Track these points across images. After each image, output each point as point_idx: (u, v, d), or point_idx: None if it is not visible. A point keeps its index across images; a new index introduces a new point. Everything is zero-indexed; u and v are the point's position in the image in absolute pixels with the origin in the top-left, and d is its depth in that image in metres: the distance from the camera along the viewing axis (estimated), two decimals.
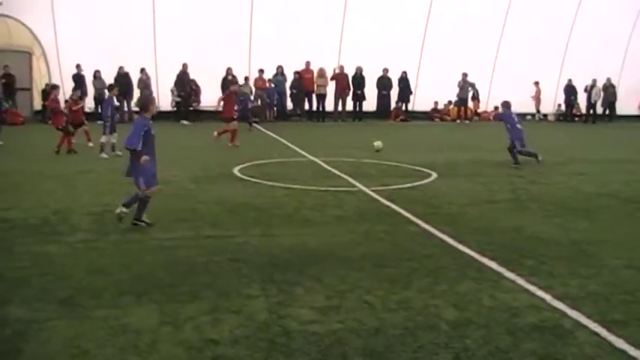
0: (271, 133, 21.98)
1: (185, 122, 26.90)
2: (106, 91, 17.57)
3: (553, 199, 10.86)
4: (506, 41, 29.93)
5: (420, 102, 30.46)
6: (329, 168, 13.86)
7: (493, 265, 6.85)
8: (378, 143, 16.73)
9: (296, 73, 28.29)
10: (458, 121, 29.29)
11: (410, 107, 30.42)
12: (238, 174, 12.97)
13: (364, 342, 4.89)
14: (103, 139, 15.64)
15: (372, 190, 11.10)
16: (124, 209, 8.34)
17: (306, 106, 29.25)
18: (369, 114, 29.19)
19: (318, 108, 28.67)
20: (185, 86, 27.39)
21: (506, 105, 15.28)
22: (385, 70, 29.04)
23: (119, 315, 5.43)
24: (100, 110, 25.96)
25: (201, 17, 26.64)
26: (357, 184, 11.78)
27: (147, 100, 9.33)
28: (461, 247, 7.57)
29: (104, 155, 15.32)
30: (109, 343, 4.88)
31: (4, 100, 23.72)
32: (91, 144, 16.66)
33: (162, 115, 26.41)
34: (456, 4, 28.71)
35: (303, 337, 4.96)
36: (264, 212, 9.50)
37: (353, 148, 17.38)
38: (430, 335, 5.00)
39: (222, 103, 19.28)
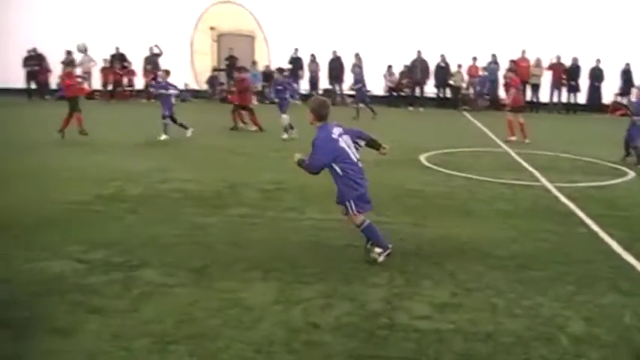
0: (476, 122, 21.40)
1: (411, 108, 26.91)
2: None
3: None
4: None
5: None
6: (520, 160, 13.19)
7: None
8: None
9: (511, 61, 27.17)
10: None
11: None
12: (423, 160, 12.77)
13: (467, 346, 4.57)
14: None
15: (555, 187, 10.36)
16: (376, 250, 6.47)
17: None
18: (581, 106, 27.36)
19: (532, 98, 27.37)
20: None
21: None
22: (598, 61, 26.97)
23: (239, 289, 5.57)
24: (315, 92, 27.05)
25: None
26: (542, 179, 11.07)
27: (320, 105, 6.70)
28: (626, 255, 6.81)
29: (285, 136, 15.76)
30: (217, 314, 5.02)
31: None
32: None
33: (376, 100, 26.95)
34: None
35: (405, 333, 4.75)
36: (429, 201, 9.26)
37: (555, 142, 16.37)
38: (543, 349, 4.55)
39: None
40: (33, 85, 28.72)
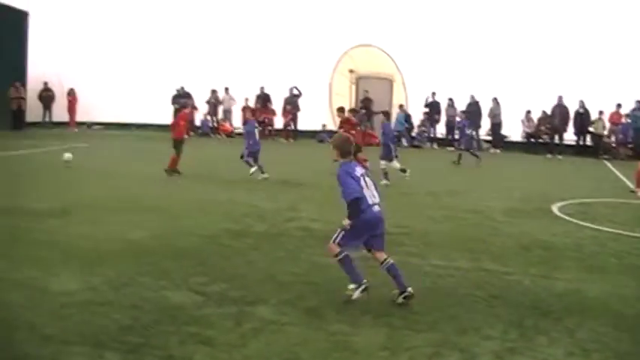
0: (616, 171, 20.42)
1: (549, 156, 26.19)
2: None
3: None
4: None
5: None
6: None
7: None
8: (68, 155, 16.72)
9: None
10: None
11: None
12: (556, 210, 12.30)
13: None
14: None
15: None
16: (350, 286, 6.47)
17: None
18: None
19: None
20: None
21: None
22: None
23: (348, 332, 5.56)
24: (451, 136, 26.87)
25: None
26: None
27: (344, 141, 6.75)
28: None
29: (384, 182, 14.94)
30: (322, 356, 5.04)
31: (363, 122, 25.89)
32: None
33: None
34: None
35: None
36: (556, 252, 8.89)
37: None
38: None
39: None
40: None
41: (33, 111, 32.01)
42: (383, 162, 15.30)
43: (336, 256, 6.41)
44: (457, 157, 20.70)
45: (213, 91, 30.47)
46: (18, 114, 30.56)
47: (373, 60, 28.99)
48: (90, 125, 32.72)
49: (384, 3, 27.12)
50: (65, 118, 32.67)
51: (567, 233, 10.25)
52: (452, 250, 8.62)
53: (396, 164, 15.55)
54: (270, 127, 29.99)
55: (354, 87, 29.64)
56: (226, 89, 30.35)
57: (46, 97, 32.54)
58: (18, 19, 31.01)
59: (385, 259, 6.49)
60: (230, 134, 29.91)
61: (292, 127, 29.36)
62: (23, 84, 31.03)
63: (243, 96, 29.50)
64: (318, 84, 29.04)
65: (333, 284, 6.85)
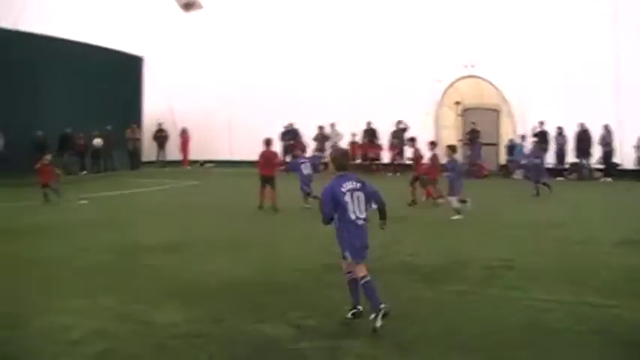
0: None
1: None
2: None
3: None
4: None
5: None
6: None
7: None
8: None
9: None
10: None
11: None
12: None
13: None
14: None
15: None
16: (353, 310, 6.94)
17: None
18: None
19: None
20: None
21: None
22: None
23: None
24: (561, 165, 26.11)
25: None
26: None
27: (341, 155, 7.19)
28: None
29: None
30: None
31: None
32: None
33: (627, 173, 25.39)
34: None
35: None
36: None
37: None
38: None
39: None
40: (288, 158, 30.83)
41: (148, 150, 33.63)
42: (453, 199, 14.86)
43: (362, 278, 6.71)
44: (535, 190, 19.66)
45: (320, 127, 30.93)
46: (134, 154, 32.12)
47: (479, 91, 28.68)
48: (202, 163, 33.92)
49: (489, 33, 26.80)
50: (178, 156, 34.02)
51: None
52: (554, 283, 8.39)
53: (454, 201, 14.85)
54: (377, 162, 30.10)
55: (460, 119, 29.37)
56: (332, 125, 30.74)
57: (160, 137, 34.12)
58: (134, 64, 32.78)
59: (364, 275, 6.73)
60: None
61: (399, 161, 29.32)
62: (139, 125, 32.66)
63: (349, 131, 29.86)
64: (424, 117, 28.95)
65: (428, 319, 6.87)
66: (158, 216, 15.58)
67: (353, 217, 6.69)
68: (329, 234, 12.02)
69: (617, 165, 26.27)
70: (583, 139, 26.23)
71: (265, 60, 31.40)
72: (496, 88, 27.93)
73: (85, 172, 29.10)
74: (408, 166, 28.19)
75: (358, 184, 6.80)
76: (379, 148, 30.08)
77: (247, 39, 31.42)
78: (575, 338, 6.27)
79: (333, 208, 6.67)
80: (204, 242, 11.63)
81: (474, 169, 26.91)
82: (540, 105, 26.61)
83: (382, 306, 6.45)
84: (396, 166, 29.16)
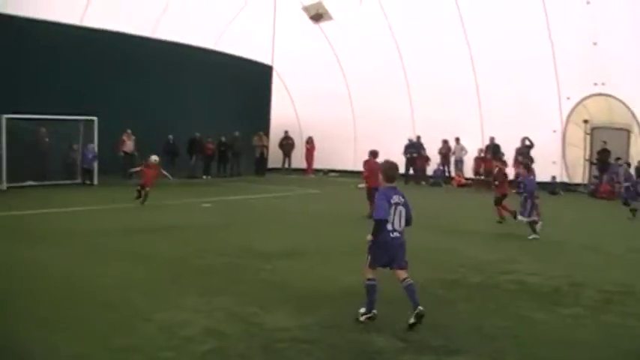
0: None
1: None
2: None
3: None
4: None
5: None
6: None
7: None
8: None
9: None
10: None
11: None
12: None
13: None
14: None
15: None
16: (361, 310, 7.31)
17: None
18: None
19: None
20: None
21: None
22: None
23: None
24: None
25: None
26: None
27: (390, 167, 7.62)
28: None
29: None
30: None
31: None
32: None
33: None
34: None
35: None
36: None
37: None
38: None
39: None
40: (410, 171, 30.88)
41: (274, 157, 34.51)
42: (522, 218, 14.53)
43: (368, 280, 7.19)
44: (631, 214, 18.75)
45: (445, 142, 30.75)
46: (260, 161, 33.05)
47: (609, 110, 27.64)
48: (326, 172, 34.45)
49: (620, 50, 25.78)
50: (303, 164, 34.71)
51: None
52: None
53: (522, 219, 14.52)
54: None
55: (588, 137, 28.38)
56: (457, 139, 30.50)
57: (287, 145, 34.99)
58: (264, 73, 33.79)
59: (405, 278, 7.13)
60: (461, 184, 29.97)
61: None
62: (266, 133, 33.59)
63: (476, 146, 29.57)
64: (551, 134, 28.21)
65: (537, 340, 6.76)
66: (277, 221, 16.01)
67: (390, 227, 7.11)
68: (453, 249, 12.11)
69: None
70: None
71: (393, 73, 31.55)
72: (627, 107, 26.82)
73: (208, 176, 30.19)
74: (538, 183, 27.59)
75: (402, 199, 7.24)
76: (504, 164, 29.46)
77: (376, 49, 31.61)
78: None
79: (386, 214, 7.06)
80: (320, 249, 11.93)
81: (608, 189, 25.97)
82: None
83: (420, 308, 6.91)
84: (519, 183, 28.49)
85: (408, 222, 7.32)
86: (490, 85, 29.03)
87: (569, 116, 28.26)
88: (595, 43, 25.96)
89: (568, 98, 27.94)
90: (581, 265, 11.20)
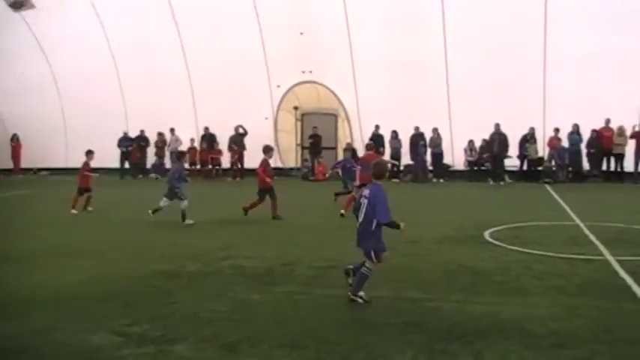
0: (555, 195, 20.93)
1: (491, 182, 26.63)
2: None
3: None
4: None
5: None
6: (588, 233, 12.85)
7: None
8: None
9: (593, 131, 26.67)
10: None
11: None
12: (487, 236, 12.61)
13: None
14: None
15: (617, 260, 10.03)
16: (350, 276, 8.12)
17: (604, 167, 27.24)
18: None
19: (616, 168, 26.59)
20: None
21: None
22: None
23: None
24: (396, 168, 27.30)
25: (494, 76, 26.30)
26: (606, 252, 10.74)
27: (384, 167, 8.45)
28: None
29: None
30: None
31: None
32: None
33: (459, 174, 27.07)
34: None
35: None
36: (481, 277, 9.16)
37: (634, 213, 15.88)
38: None
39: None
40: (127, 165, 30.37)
41: None
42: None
43: (368, 268, 7.78)
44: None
45: (160, 134, 30.58)
46: None
47: (317, 96, 29.43)
48: (36, 171, 32.47)
49: (322, 39, 27.56)
50: (9, 164, 32.38)
51: (495, 258, 10.52)
52: (377, 281, 8.74)
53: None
54: (217, 167, 30.12)
55: (299, 123, 29.97)
56: (172, 130, 30.47)
57: None
58: None
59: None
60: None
61: (239, 166, 29.46)
62: None
63: (189, 137, 29.78)
64: (263, 121, 29.32)
65: (252, 320, 7.03)
66: None
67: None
68: (169, 241, 12.10)
69: (449, 167, 27.84)
70: (416, 142, 27.55)
71: (104, 65, 30.59)
72: (333, 93, 28.74)
73: None
74: (249, 170, 28.51)
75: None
76: (219, 153, 30.09)
77: (83, 39, 30.23)
78: (390, 331, 6.65)
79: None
80: (35, 253, 11.21)
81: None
82: (376, 109, 27.66)
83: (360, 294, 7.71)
84: (235, 171, 29.28)
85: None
86: (203, 76, 29.35)
87: (280, 104, 29.55)
88: (302, 33, 27.39)
89: (278, 86, 29.23)
90: (295, 245, 11.83)
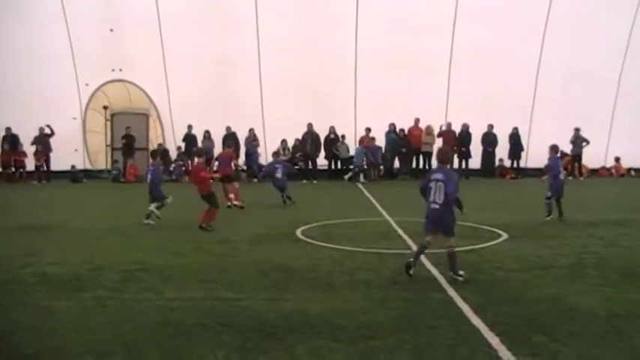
0: (366, 192, 21.70)
1: (304, 181, 27.06)
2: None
3: (622, 264, 9.82)
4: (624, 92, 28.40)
5: (532, 159, 28.69)
6: (397, 228, 13.44)
7: (495, 341, 6.21)
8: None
9: (401, 130, 28.03)
10: (570, 177, 26.80)
11: (522, 164, 29.17)
12: (299, 234, 12.83)
13: None
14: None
15: (424, 254, 10.50)
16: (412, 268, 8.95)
17: (413, 164, 28.75)
18: (474, 172, 28.29)
19: (424, 166, 28.10)
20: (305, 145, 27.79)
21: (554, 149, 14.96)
22: (490, 127, 28.20)
23: None
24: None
25: (307, 77, 26.91)
26: (414, 246, 11.22)
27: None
28: (474, 319, 6.95)
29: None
30: None
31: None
32: None
33: None
34: (564, 56, 27.60)
35: None
36: (292, 274, 9.28)
37: None
38: None
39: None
40: None
41: None
42: None
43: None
44: None
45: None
46: None
47: (127, 95, 28.56)
48: None
49: (132, 37, 26.81)
50: None
51: (306, 255, 10.73)
52: (188, 282, 8.71)
53: None
54: (21, 170, 28.26)
55: (109, 123, 28.88)
56: None
57: None
58: None
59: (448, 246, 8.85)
60: None
61: (45, 168, 27.89)
62: None
63: None
64: (71, 121, 27.97)
65: (57, 329, 6.68)
66: None
67: (432, 199, 8.79)
68: None
69: (262, 166, 27.99)
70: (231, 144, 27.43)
71: None
72: (144, 92, 28.01)
73: None
74: (55, 172, 27.03)
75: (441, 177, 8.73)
76: (23, 155, 28.24)
77: None
78: (203, 332, 6.57)
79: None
80: None
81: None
82: (190, 109, 27.31)
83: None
84: (40, 174, 27.71)
85: (446, 196, 8.58)
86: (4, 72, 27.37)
87: (88, 103, 28.33)
88: (112, 30, 26.45)
89: (87, 85, 27.98)
90: (103, 249, 11.38)
